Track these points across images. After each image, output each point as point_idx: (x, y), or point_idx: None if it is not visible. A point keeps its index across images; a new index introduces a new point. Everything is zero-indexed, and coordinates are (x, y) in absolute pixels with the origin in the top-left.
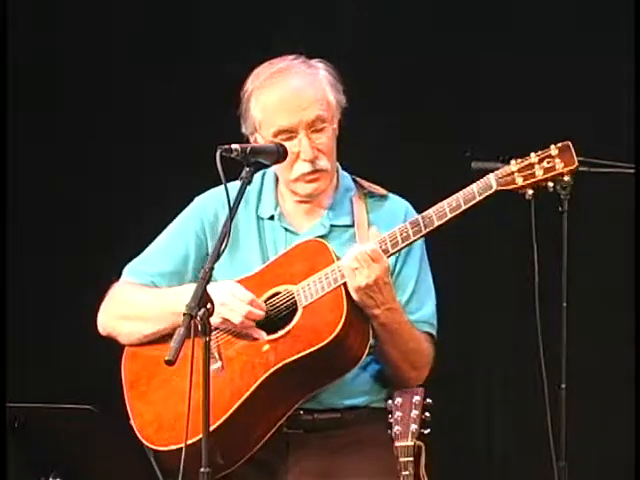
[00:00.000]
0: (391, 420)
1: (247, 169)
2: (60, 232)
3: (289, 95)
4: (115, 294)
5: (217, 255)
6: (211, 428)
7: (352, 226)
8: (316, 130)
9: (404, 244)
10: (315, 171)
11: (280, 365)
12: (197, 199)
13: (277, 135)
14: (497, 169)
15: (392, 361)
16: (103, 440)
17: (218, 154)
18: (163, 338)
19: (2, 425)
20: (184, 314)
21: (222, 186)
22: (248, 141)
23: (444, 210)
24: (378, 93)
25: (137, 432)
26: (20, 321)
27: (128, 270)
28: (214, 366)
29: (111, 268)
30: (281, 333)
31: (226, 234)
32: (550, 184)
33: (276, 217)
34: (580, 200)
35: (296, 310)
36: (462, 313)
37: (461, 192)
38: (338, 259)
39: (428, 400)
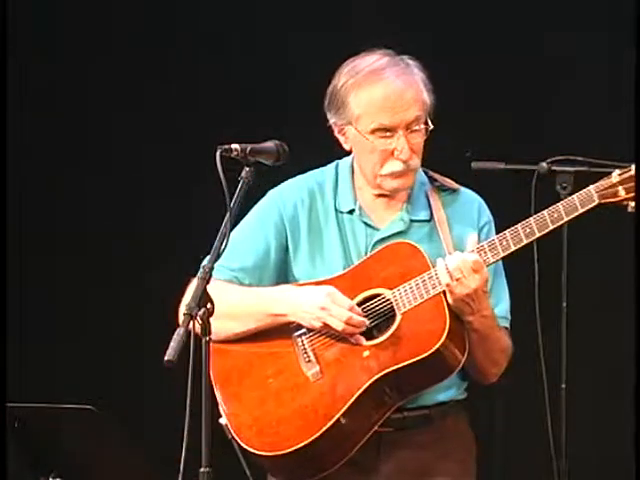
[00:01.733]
0: None
1: (247, 169)
2: (60, 231)
3: (392, 95)
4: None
5: (217, 255)
6: (317, 434)
7: (429, 221)
8: (413, 130)
9: (504, 254)
10: (406, 170)
11: (384, 373)
12: (274, 191)
13: (375, 131)
14: (497, 169)
15: (477, 362)
16: (103, 440)
17: (218, 154)
18: (252, 336)
19: (2, 425)
20: (184, 314)
21: (299, 177)
22: (333, 131)
23: (545, 220)
24: None
25: (234, 434)
26: (20, 321)
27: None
28: (312, 371)
29: (111, 268)
30: (382, 339)
31: (226, 234)
32: None
33: (356, 211)
34: None
35: (393, 315)
36: None
37: (561, 203)
38: (433, 265)
39: None
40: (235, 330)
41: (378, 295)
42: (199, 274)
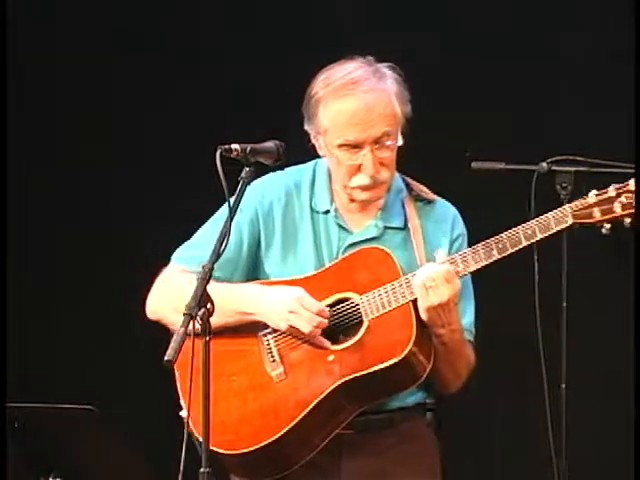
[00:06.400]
0: None
1: (247, 169)
2: (60, 232)
3: (359, 112)
4: (169, 281)
5: (217, 255)
6: (276, 436)
7: (403, 229)
8: (381, 145)
9: (476, 267)
10: (374, 183)
11: (348, 378)
12: (250, 186)
13: (342, 146)
14: (497, 169)
15: (441, 373)
16: (103, 440)
17: (218, 154)
18: (218, 332)
19: (2, 425)
20: (184, 314)
21: (278, 173)
22: (309, 138)
23: (519, 237)
24: None
25: (192, 427)
26: (20, 321)
27: (179, 257)
28: (276, 371)
29: (110, 268)
30: (347, 344)
31: (226, 234)
32: (627, 220)
33: (332, 212)
34: None
35: (360, 321)
36: None
37: (535, 220)
38: (404, 273)
39: None
40: None
41: (347, 299)
42: (199, 274)
